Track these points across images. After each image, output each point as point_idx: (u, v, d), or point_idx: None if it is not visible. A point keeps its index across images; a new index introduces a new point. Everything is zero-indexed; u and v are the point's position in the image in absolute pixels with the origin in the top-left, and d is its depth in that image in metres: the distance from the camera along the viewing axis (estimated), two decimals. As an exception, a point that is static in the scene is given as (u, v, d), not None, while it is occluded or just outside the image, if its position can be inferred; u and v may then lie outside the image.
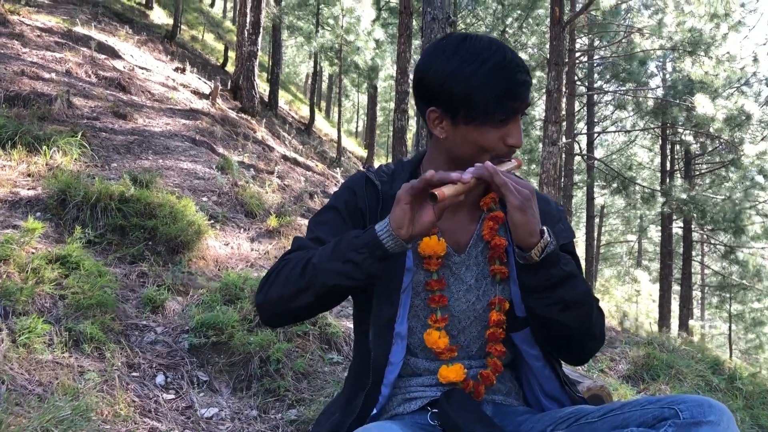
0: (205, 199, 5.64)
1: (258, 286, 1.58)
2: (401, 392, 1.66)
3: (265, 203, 5.98)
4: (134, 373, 2.94)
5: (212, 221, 5.11)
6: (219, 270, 4.42)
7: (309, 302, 1.48)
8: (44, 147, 5.44)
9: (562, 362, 1.74)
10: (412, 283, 1.59)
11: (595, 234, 23.94)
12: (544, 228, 1.45)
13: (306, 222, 6.01)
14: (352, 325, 3.84)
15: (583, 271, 1.75)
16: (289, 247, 1.64)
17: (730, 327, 22.70)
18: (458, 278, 1.64)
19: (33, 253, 3.50)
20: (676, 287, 21.43)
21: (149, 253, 4.19)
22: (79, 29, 12.97)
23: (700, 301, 26.16)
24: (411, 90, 1.67)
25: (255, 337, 3.22)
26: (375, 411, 1.57)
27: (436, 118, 1.55)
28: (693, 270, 21.68)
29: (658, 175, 21.67)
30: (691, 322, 19.55)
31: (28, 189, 4.68)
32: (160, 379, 2.96)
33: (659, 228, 22.58)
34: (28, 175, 5.07)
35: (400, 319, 1.57)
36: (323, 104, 32.09)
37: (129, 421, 2.47)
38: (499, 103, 1.47)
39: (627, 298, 23.13)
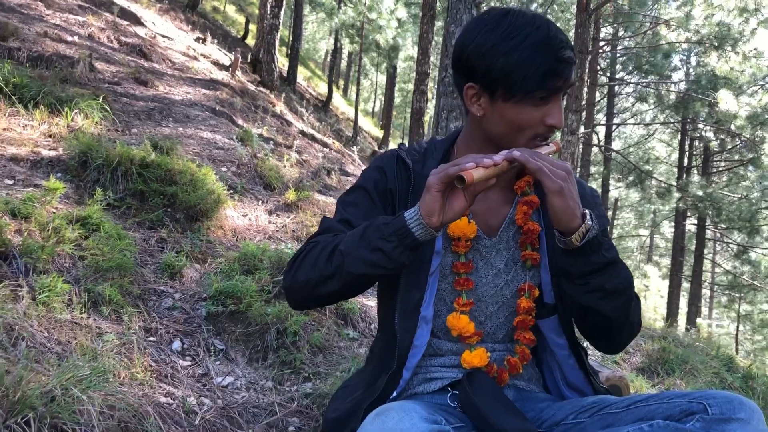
0: (224, 169, 5.62)
1: (286, 267, 1.55)
2: (422, 372, 1.64)
3: (284, 177, 5.96)
4: (151, 338, 2.93)
5: (231, 191, 5.09)
6: (237, 240, 4.41)
7: (335, 290, 1.46)
8: (66, 108, 5.43)
9: (590, 351, 1.71)
10: (440, 266, 1.57)
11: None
12: (587, 211, 1.40)
13: (323, 198, 6.04)
14: (368, 302, 3.84)
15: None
16: (317, 229, 1.61)
17: (738, 327, 22.66)
18: (487, 262, 1.61)
19: (54, 212, 3.49)
20: (685, 285, 21.36)
21: (168, 219, 4.18)
22: (103, -7, 12.94)
23: (708, 300, 26.08)
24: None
25: (273, 308, 3.20)
26: (395, 393, 1.55)
27: (474, 94, 1.51)
28: (704, 268, 21.58)
29: (675, 171, 21.54)
30: (698, 320, 19.50)
31: (50, 150, 4.67)
32: (176, 344, 2.95)
33: (672, 224, 22.47)
34: (50, 136, 5.06)
35: (426, 303, 1.55)
36: (341, 82, 31.99)
37: (146, 385, 2.46)
38: (541, 80, 1.42)
39: (636, 292, 23.11)
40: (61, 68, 6.99)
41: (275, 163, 6.23)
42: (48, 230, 3.21)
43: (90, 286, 3.00)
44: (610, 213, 25.29)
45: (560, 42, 1.43)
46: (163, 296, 3.34)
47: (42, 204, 3.47)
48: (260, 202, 5.25)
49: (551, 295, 1.62)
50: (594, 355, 3.50)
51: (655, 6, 17.56)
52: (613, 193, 23.89)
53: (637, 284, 23.44)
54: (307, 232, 4.84)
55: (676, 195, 18.01)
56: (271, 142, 7.56)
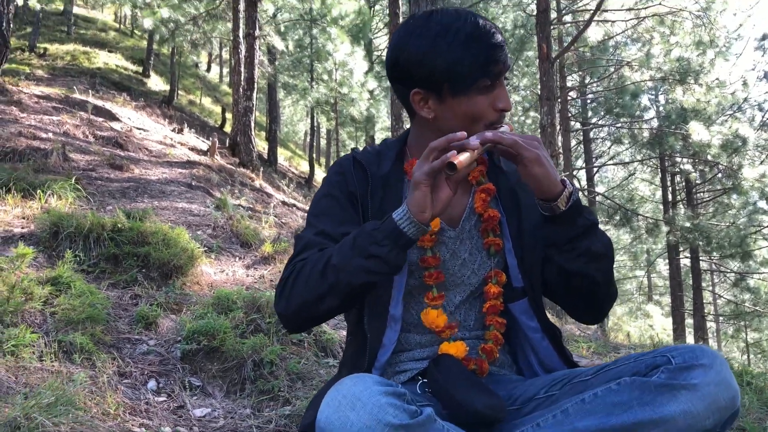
0: (199, 232, 5.65)
1: (275, 294, 1.55)
2: (391, 368, 1.64)
3: (261, 235, 5.99)
4: (125, 380, 2.89)
5: (207, 250, 5.11)
6: (213, 293, 4.40)
7: (334, 305, 1.46)
8: (38, 192, 5.49)
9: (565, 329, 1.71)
10: (407, 263, 1.57)
11: (603, 271, 23.70)
12: (564, 178, 1.45)
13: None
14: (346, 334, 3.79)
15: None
16: (295, 248, 1.61)
17: (748, 356, 22.33)
18: (453, 253, 1.63)
19: (24, 275, 3.49)
20: (689, 320, 21.15)
21: (143, 278, 4.18)
22: (77, 96, 13.25)
23: (715, 333, 25.76)
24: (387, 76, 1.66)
25: (248, 341, 3.18)
26: None
27: (421, 99, 1.55)
28: (705, 300, 21.43)
29: (661, 207, 21.67)
30: (708, 354, 19.18)
31: (22, 228, 4.70)
32: (151, 384, 2.91)
33: (667, 261, 22.44)
34: (23, 218, 5.10)
35: (394, 301, 1.56)
36: (323, 159, 32.40)
37: (118, 418, 2.42)
38: (483, 69, 1.48)
39: (641, 334, 22.80)
40: (35, 160, 7.11)
41: (253, 225, 6.27)
42: (16, 290, 3.20)
43: (61, 337, 2.97)
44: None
45: (489, 29, 1.49)
46: (138, 343, 3.31)
47: (10, 269, 3.48)
48: (237, 258, 5.26)
49: (519, 278, 1.64)
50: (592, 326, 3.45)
51: (617, 50, 18.10)
52: (603, 237, 23.91)
53: (642, 325, 23.27)
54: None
55: (665, 229, 18.06)
56: (250, 210, 7.62)
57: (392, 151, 1.70)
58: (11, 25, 11.65)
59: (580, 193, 20.41)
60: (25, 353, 2.73)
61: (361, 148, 1.77)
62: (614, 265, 1.59)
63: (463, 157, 1.31)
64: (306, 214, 1.65)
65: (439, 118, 1.55)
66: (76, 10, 25.51)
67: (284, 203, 10.75)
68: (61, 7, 23.69)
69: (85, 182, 6.59)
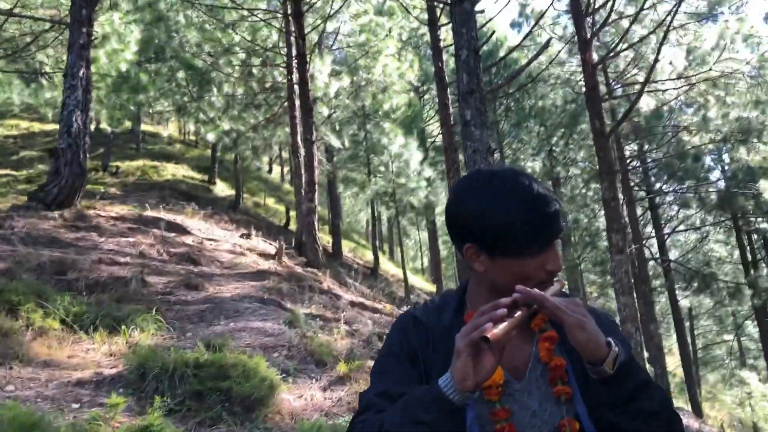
0: (276, 354, 5.79)
1: None
2: None
3: (334, 350, 6.09)
4: None
5: (284, 375, 5.22)
6: (295, 422, 4.48)
7: None
8: (122, 326, 5.76)
9: None
10: (476, 417, 1.58)
11: (689, 338, 22.83)
12: (610, 339, 1.45)
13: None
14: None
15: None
16: (358, 406, 1.64)
17: None
18: (522, 405, 1.63)
19: (118, 426, 3.66)
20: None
21: (226, 413, 4.31)
22: (149, 213, 13.89)
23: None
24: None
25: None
26: None
27: (474, 253, 1.59)
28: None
29: (741, 267, 20.91)
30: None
31: (111, 368, 4.94)
32: None
33: (756, 323, 21.47)
34: (111, 355, 5.36)
35: None
36: (386, 247, 32.66)
37: None
38: (534, 236, 1.52)
39: (739, 402, 21.55)
40: (116, 289, 7.46)
41: (325, 339, 6.38)
42: (112, 446, 3.36)
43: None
44: (687, 324, 24.29)
45: (546, 199, 1.55)
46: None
47: (106, 421, 3.65)
48: (314, 380, 5.36)
49: (590, 425, 1.66)
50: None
51: (672, 115, 17.96)
52: (684, 303, 23.05)
53: (738, 393, 22.03)
54: (364, 402, 4.85)
55: (748, 292, 17.41)
56: (320, 318, 7.76)
57: (452, 304, 1.74)
58: (87, 156, 12.48)
59: (651, 263, 19.95)
60: None
61: (420, 304, 1.82)
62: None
63: (499, 329, 1.34)
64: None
65: (491, 273, 1.59)
66: (143, 127, 26.98)
67: (353, 304, 10.88)
68: (130, 126, 25.12)
69: (164, 309, 6.88)
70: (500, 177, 1.59)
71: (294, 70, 15.11)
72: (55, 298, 5.93)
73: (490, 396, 1.60)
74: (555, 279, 1.62)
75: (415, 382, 1.63)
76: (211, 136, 16.00)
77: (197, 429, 4.10)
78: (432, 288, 24.15)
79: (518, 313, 1.42)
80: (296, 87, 15.02)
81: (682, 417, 1.79)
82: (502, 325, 1.37)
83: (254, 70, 17.25)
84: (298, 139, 14.85)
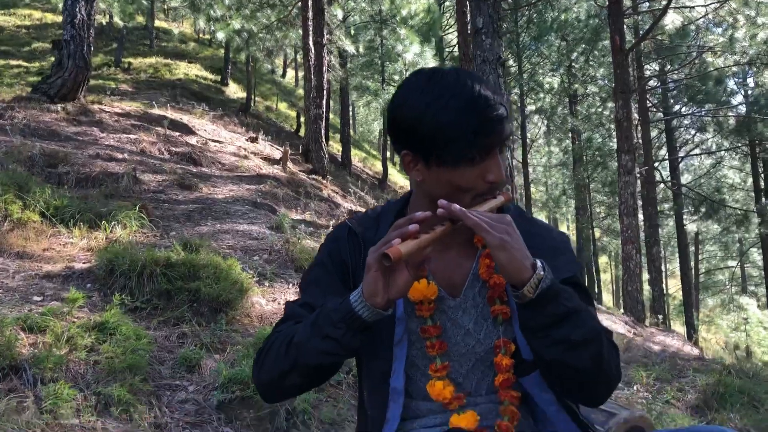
0: (256, 257, 5.75)
1: (253, 363, 1.53)
2: None
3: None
4: (160, 433, 2.97)
5: (260, 278, 5.19)
6: (263, 326, 4.46)
7: (297, 383, 1.44)
8: (104, 222, 5.71)
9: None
10: (407, 332, 1.51)
11: (692, 263, 22.82)
12: (538, 261, 1.33)
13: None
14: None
15: (594, 304, 1.62)
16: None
17: None
18: (455, 323, 1.54)
19: (73, 322, 3.64)
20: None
21: (192, 314, 4.28)
22: (156, 111, 13.73)
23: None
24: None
25: (281, 390, 3.20)
26: None
27: (410, 161, 1.48)
28: (805, 292, 20.30)
29: (753, 195, 20.61)
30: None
31: (84, 263, 4.91)
32: (185, 436, 2.99)
33: (761, 250, 21.34)
34: (88, 250, 5.32)
35: (395, 374, 1.50)
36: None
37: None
38: (471, 141, 1.37)
39: (735, 327, 21.71)
40: (107, 185, 7.41)
41: (310, 245, 6.32)
42: (62, 340, 3.34)
43: (100, 389, 3.08)
44: (692, 248, 24.22)
45: (488, 100, 1.38)
46: (178, 390, 3.39)
47: (60, 316, 3.63)
48: (290, 285, 5.32)
49: (527, 349, 1.55)
50: (613, 396, 3.28)
51: (698, 35, 17.24)
52: (691, 227, 22.90)
53: (735, 318, 22.17)
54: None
55: (756, 221, 17.19)
56: (312, 225, 7.70)
57: (391, 214, 1.62)
58: (92, 48, 12.21)
59: (661, 186, 19.67)
60: (63, 409, 2.84)
61: (359, 214, 1.72)
62: (607, 338, 1.45)
63: (405, 246, 1.22)
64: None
65: (427, 182, 1.47)
66: (156, 23, 26.48)
67: (351, 212, 10.81)
68: (144, 22, 24.66)
69: (152, 206, 6.82)
70: (440, 74, 1.42)
71: (308, -33, 14.57)
72: (35, 190, 5.86)
73: (422, 312, 1.50)
74: (498, 192, 1.48)
75: (342, 295, 1.53)
76: (220, 35, 15.61)
77: (160, 327, 4.08)
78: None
79: (439, 229, 1.30)
80: (310, -14, 14.52)
81: (672, 340, 1.68)
82: (413, 242, 1.24)
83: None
84: (309, 41, 14.44)
